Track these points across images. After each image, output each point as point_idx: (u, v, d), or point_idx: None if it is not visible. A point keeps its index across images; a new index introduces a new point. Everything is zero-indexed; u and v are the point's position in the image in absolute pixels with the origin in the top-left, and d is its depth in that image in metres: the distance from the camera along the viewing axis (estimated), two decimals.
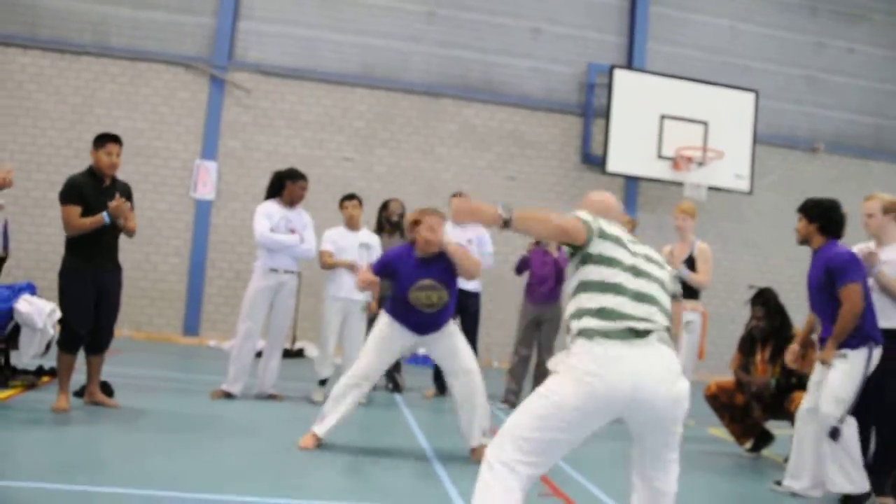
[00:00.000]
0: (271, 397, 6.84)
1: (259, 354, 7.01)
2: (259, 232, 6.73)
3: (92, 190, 5.57)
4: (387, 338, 5.10)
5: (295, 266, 6.93)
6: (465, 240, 8.11)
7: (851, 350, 4.64)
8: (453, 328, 5.24)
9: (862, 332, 4.63)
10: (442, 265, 5.03)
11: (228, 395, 6.64)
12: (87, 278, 5.54)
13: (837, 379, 4.63)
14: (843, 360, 4.64)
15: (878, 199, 5.14)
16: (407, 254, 5.07)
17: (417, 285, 4.94)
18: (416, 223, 5.01)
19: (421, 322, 5.06)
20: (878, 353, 4.66)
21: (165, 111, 11.40)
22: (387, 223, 8.06)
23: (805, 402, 4.94)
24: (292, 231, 6.85)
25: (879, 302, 4.87)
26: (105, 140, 5.65)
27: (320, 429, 5.02)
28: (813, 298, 4.93)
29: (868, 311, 4.67)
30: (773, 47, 13.41)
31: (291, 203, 6.92)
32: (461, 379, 5.09)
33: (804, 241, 4.94)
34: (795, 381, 5.79)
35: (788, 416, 5.76)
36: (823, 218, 4.81)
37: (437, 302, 4.98)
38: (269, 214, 6.81)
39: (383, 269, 5.12)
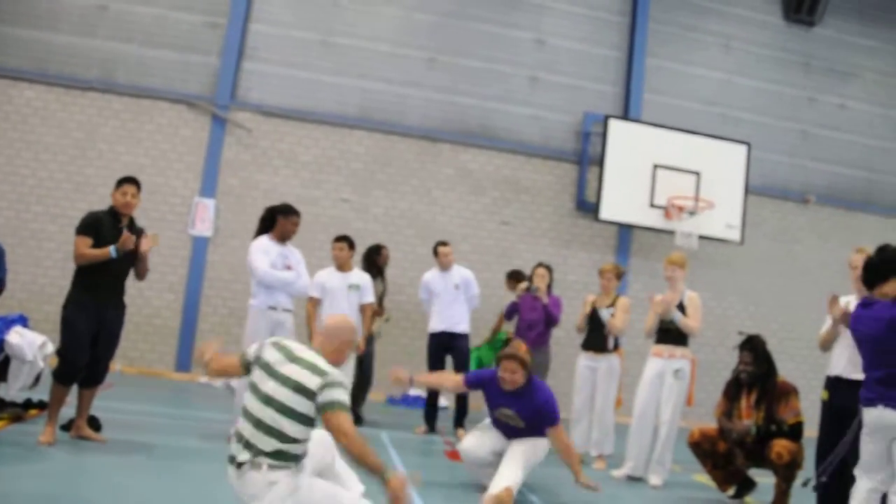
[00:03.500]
0: None
1: None
2: (261, 270, 6.65)
3: (108, 227, 5.75)
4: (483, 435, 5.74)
5: (292, 304, 6.88)
6: (453, 284, 8.29)
7: None
8: (543, 442, 5.57)
9: None
10: (524, 400, 5.46)
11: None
12: (89, 312, 5.64)
13: None
14: None
15: (868, 252, 5.14)
16: (494, 380, 5.57)
17: (500, 411, 5.56)
18: (499, 360, 5.51)
19: (509, 431, 5.61)
20: None
21: (167, 148, 11.56)
22: (376, 269, 8.25)
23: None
24: (288, 267, 6.80)
25: (851, 352, 4.96)
26: (123, 181, 5.88)
27: None
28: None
29: None
30: (766, 101, 13.65)
31: (283, 239, 6.89)
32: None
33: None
34: (776, 429, 5.84)
35: (769, 464, 5.82)
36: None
37: (519, 425, 5.51)
38: (265, 251, 6.75)
39: (474, 384, 5.81)
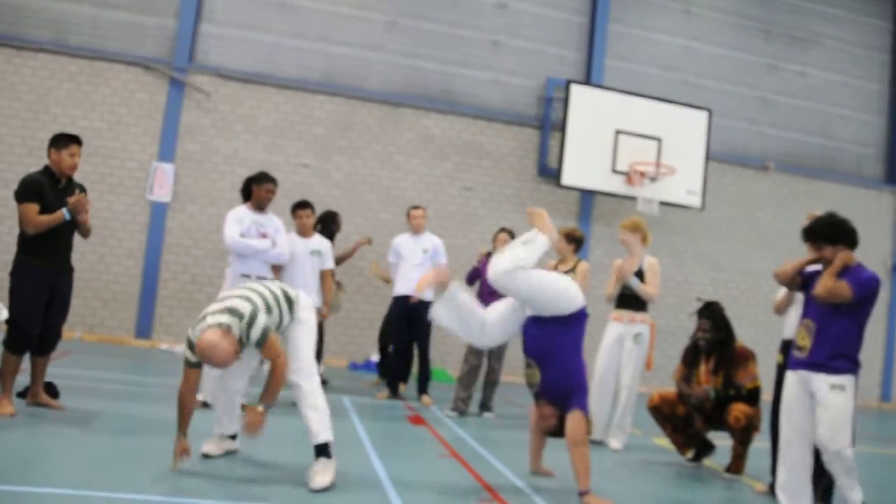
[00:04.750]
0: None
1: None
2: (229, 237, 6.61)
3: (50, 189, 5.53)
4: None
5: (268, 272, 6.80)
6: (422, 249, 8.29)
7: (846, 376, 4.46)
8: None
9: (855, 359, 4.52)
10: None
11: (205, 405, 6.43)
12: (40, 278, 5.47)
13: (840, 415, 4.40)
14: (840, 392, 4.42)
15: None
16: None
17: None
18: None
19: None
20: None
21: (123, 112, 11.31)
22: (329, 235, 8.24)
23: (787, 430, 4.62)
24: (264, 235, 6.74)
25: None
26: (68, 141, 5.60)
27: None
28: (821, 313, 4.55)
29: (858, 339, 4.54)
30: (727, 67, 13.73)
31: (259, 207, 6.83)
32: None
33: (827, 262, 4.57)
34: (734, 393, 5.95)
35: (728, 428, 5.93)
36: (848, 237, 4.56)
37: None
38: (239, 219, 6.72)
39: None
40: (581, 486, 4.52)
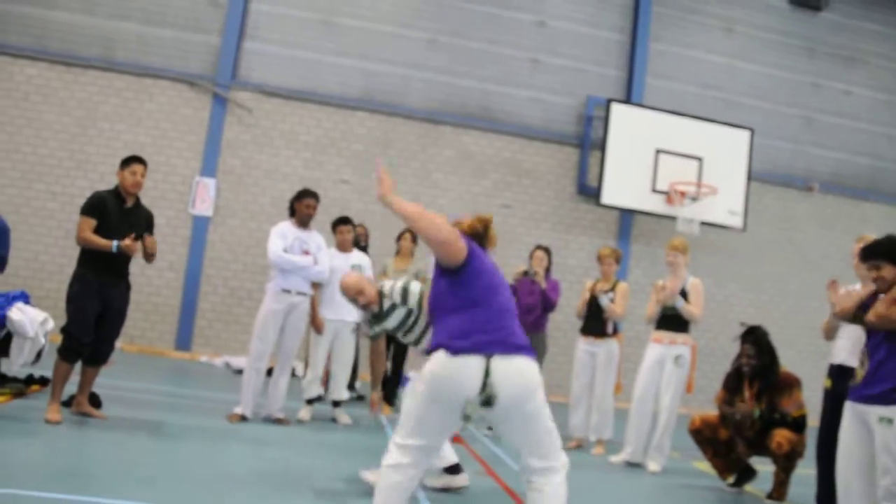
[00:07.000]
0: (278, 421, 6.68)
1: (270, 373, 6.91)
2: (273, 252, 6.68)
3: (114, 209, 5.78)
4: None
5: (308, 288, 6.84)
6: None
7: (892, 406, 4.11)
8: None
9: None
10: None
11: (244, 418, 6.54)
12: (93, 290, 5.66)
13: (889, 451, 4.10)
14: (887, 425, 4.09)
15: (868, 241, 5.15)
16: None
17: None
18: None
19: None
20: None
21: (168, 127, 11.52)
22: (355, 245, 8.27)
23: (843, 467, 4.40)
24: (306, 252, 6.80)
25: (854, 340, 4.98)
26: (131, 160, 5.89)
27: None
28: (877, 339, 4.36)
29: None
30: (769, 86, 13.58)
31: (302, 223, 6.90)
32: None
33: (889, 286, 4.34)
34: (779, 417, 5.83)
35: (770, 453, 5.81)
36: None
37: None
38: (283, 234, 6.78)
39: None
40: None
